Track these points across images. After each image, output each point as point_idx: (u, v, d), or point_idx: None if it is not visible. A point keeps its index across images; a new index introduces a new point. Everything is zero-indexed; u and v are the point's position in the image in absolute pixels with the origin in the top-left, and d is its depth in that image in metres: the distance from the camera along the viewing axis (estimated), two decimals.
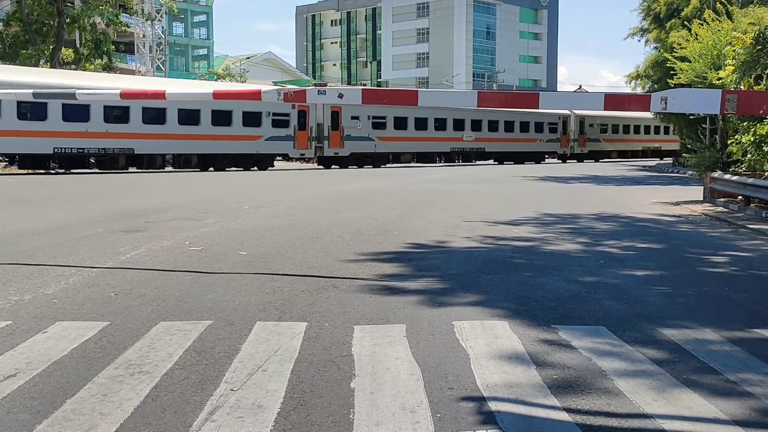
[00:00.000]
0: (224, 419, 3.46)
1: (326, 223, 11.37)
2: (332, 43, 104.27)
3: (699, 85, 18.03)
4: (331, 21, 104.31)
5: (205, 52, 71.22)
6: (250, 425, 3.39)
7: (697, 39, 20.30)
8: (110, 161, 27.80)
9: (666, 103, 6.78)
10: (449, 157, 40.00)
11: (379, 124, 35.67)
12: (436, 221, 11.94)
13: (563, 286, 6.81)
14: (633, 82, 40.07)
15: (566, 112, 44.59)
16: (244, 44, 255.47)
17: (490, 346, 4.76)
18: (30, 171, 26.53)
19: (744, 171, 16.31)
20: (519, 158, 43.22)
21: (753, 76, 14.60)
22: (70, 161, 27.32)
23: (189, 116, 28.96)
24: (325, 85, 51.90)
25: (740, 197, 15.59)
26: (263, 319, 5.41)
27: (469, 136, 39.79)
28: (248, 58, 76.10)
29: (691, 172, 23.07)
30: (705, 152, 20.19)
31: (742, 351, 4.76)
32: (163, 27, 53.24)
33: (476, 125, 40.09)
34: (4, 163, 28.90)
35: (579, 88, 70.42)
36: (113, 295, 6.14)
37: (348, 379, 4.06)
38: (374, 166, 35.46)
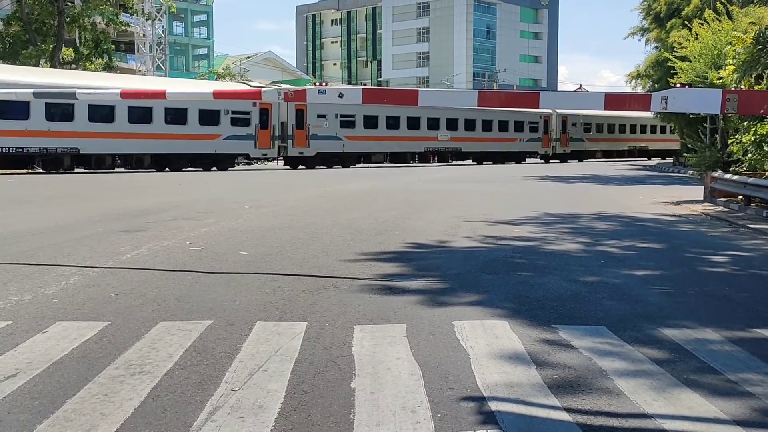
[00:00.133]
0: (225, 419, 3.46)
1: (327, 223, 11.37)
2: (332, 42, 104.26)
3: (699, 85, 18.04)
4: (332, 20, 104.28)
5: (206, 52, 71.19)
6: (250, 425, 3.40)
7: (697, 39, 20.33)
8: (54, 161, 26.61)
9: (666, 102, 6.78)
10: (423, 157, 38.93)
11: (347, 123, 34.66)
12: (436, 221, 11.94)
13: (564, 285, 6.81)
14: (633, 81, 40.06)
15: (548, 110, 43.17)
16: (244, 44, 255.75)
17: (491, 346, 4.76)
18: (30, 171, 26.52)
19: (744, 170, 16.32)
20: (498, 158, 42.13)
21: (753, 76, 14.60)
22: (6, 161, 25.69)
23: (140, 114, 27.79)
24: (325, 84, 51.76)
25: (741, 197, 15.59)
26: (264, 319, 5.41)
27: (444, 135, 38.80)
28: (248, 57, 76.11)
29: (691, 172, 23.09)
30: (705, 152, 20.22)
31: (742, 351, 4.76)
32: (163, 26, 53.19)
33: (452, 124, 39.10)
34: None
35: (579, 88, 70.36)
36: (114, 295, 6.14)
37: (348, 379, 4.06)
38: (343, 167, 34.37)
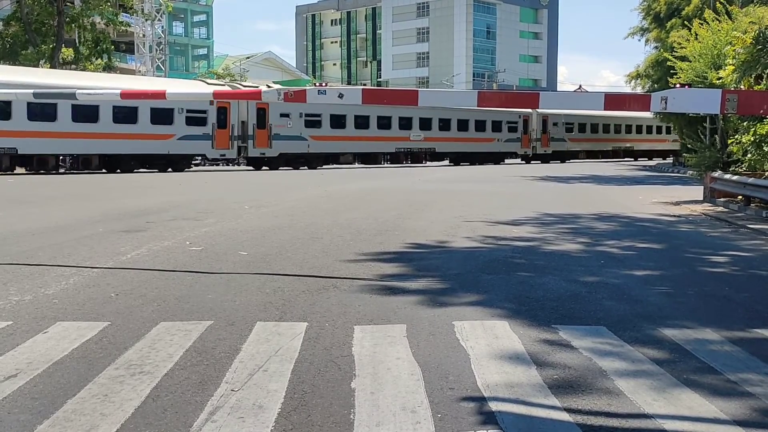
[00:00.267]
0: (225, 419, 3.46)
1: (327, 223, 11.38)
2: (332, 42, 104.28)
3: (699, 85, 18.05)
4: (331, 21, 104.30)
5: (205, 52, 71.24)
6: (250, 425, 3.40)
7: (697, 39, 20.33)
8: None
9: (666, 102, 6.79)
10: (396, 158, 37.63)
11: (313, 122, 33.31)
12: (436, 221, 11.95)
13: (563, 286, 6.81)
14: (633, 81, 40.08)
15: (528, 110, 41.26)
16: (244, 44, 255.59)
17: (491, 346, 4.76)
18: (30, 171, 26.49)
19: (744, 171, 16.32)
20: (475, 159, 40.91)
21: (753, 76, 14.61)
22: None
23: (85, 113, 26.32)
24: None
25: (740, 197, 15.59)
26: (264, 319, 5.41)
27: (417, 135, 37.48)
28: (248, 57, 76.19)
29: (691, 172, 23.08)
30: (705, 152, 20.21)
31: (742, 351, 4.76)
32: (163, 27, 53.23)
33: (425, 124, 37.78)
34: None
35: (579, 88, 70.35)
36: (114, 296, 6.14)
37: (348, 380, 4.06)
38: (309, 168, 33.24)
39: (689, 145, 22.48)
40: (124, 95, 10.90)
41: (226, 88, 27.40)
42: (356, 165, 36.09)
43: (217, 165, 34.29)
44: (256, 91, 10.91)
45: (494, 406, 3.68)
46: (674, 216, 14.11)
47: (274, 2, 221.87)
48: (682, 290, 6.78)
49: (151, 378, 4.04)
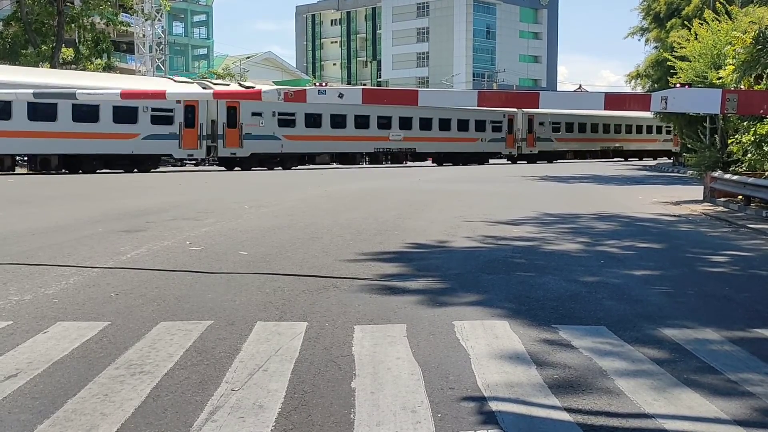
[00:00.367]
0: (225, 419, 3.46)
1: (326, 223, 11.38)
2: (332, 42, 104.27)
3: (699, 85, 18.04)
4: (331, 21, 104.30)
5: (205, 52, 71.28)
6: (251, 425, 3.40)
7: (697, 38, 20.32)
8: None
9: (666, 102, 6.79)
10: (375, 158, 36.56)
11: (286, 121, 32.24)
12: (436, 221, 11.95)
13: (564, 285, 6.81)
14: (633, 81, 40.04)
15: (513, 109, 40.32)
16: (244, 44, 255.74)
17: (491, 345, 4.76)
18: (30, 171, 26.47)
19: (744, 170, 16.32)
20: (459, 159, 39.76)
21: (753, 76, 14.61)
22: None
23: (42, 111, 25.11)
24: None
25: (740, 197, 15.59)
26: (264, 319, 5.41)
27: (396, 135, 36.33)
28: (248, 57, 76.19)
29: (691, 172, 23.09)
30: (705, 152, 20.22)
31: (742, 351, 4.76)
32: (162, 27, 53.23)
33: (405, 123, 36.62)
34: None
35: (579, 88, 70.43)
36: (114, 295, 6.14)
37: (349, 379, 4.06)
38: (283, 168, 32.37)
39: (689, 145, 22.49)
40: (124, 95, 10.89)
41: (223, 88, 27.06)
42: (333, 165, 35.06)
43: (183, 165, 32.97)
44: (256, 91, 10.91)
45: (494, 405, 3.68)
46: (674, 216, 14.12)
47: (274, 2, 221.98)
48: (683, 290, 6.78)
49: (151, 378, 4.04)
